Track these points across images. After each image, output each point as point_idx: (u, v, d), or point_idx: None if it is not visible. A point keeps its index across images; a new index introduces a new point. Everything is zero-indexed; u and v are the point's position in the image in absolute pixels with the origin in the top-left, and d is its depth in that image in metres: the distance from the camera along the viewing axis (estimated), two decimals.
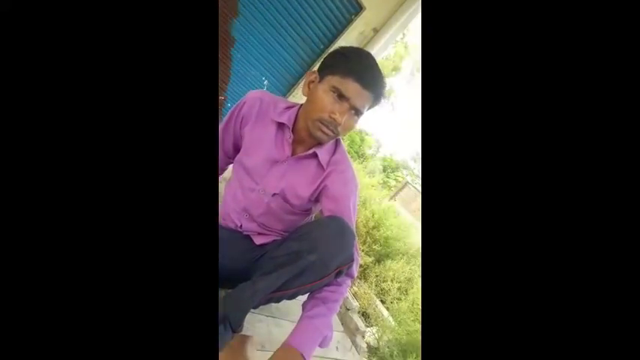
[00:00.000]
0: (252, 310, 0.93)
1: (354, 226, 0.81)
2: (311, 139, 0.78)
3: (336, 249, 0.69)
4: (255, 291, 0.69)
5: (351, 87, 0.69)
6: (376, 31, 2.32)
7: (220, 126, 0.86)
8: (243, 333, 0.83)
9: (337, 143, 0.84)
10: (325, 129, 0.73)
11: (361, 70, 0.68)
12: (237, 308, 0.70)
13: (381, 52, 2.47)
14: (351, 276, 0.78)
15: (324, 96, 0.71)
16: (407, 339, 2.11)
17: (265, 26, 2.18)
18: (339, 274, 0.72)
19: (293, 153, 0.81)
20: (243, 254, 0.84)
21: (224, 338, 0.64)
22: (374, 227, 3.36)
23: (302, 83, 0.79)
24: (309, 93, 0.76)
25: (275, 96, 0.85)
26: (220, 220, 0.93)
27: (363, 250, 3.10)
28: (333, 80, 0.70)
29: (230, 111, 0.84)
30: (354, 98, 0.70)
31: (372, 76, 0.70)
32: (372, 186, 4.46)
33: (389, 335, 2.22)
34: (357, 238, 0.78)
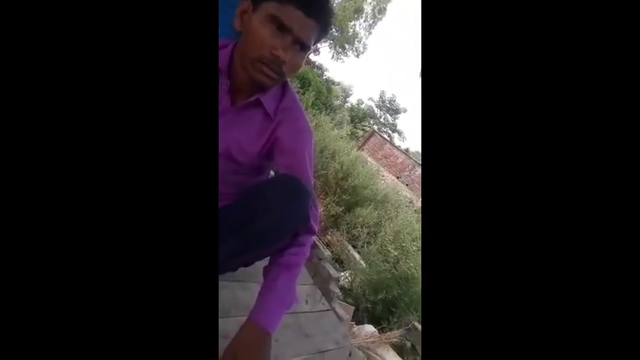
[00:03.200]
0: None
1: (311, 179, 0.75)
2: (252, 84, 0.66)
3: (289, 211, 0.63)
4: None
5: (292, 14, 0.56)
6: None
7: None
8: None
9: (285, 87, 0.72)
10: (267, 70, 0.60)
11: None
12: None
13: None
14: (311, 233, 0.73)
15: (261, 28, 0.58)
16: (377, 278, 2.25)
17: None
18: (296, 235, 0.68)
19: (233, 103, 0.69)
20: None
21: None
22: (343, 178, 3.39)
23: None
24: (243, 26, 0.62)
25: None
26: None
27: (333, 201, 3.15)
28: (270, 7, 0.56)
29: None
30: (298, 29, 0.57)
31: (316, 0, 0.58)
32: (341, 137, 4.43)
33: (361, 277, 2.36)
34: (313, 194, 0.72)
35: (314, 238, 0.76)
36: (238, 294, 0.90)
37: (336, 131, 4.48)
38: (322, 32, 0.61)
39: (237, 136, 0.70)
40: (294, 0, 0.55)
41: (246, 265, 0.70)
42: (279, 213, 0.62)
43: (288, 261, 0.69)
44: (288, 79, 0.72)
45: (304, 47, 0.60)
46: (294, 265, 0.69)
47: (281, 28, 0.57)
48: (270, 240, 0.64)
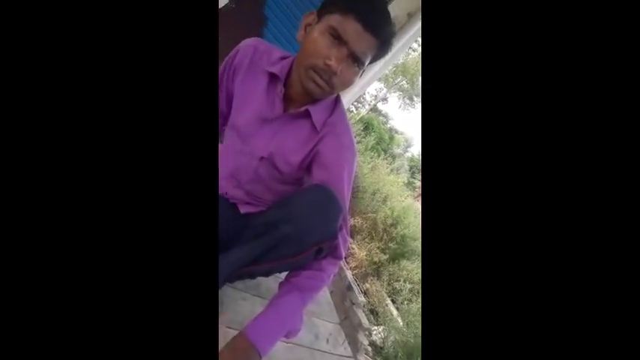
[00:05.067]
0: (232, 285, 0.86)
1: (347, 200, 0.71)
2: (306, 95, 0.67)
3: (315, 221, 0.59)
4: (226, 263, 0.62)
5: (350, 27, 0.57)
6: (410, 16, 2.19)
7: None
8: (221, 309, 0.77)
9: (336, 102, 0.72)
10: (318, 78, 0.61)
11: (364, 7, 0.57)
12: None
13: (415, 37, 2.32)
14: (337, 258, 0.68)
15: (319, 38, 0.60)
16: (414, 342, 2.00)
17: (297, 4, 2.10)
18: (319, 252, 0.62)
19: (285, 111, 0.71)
20: (227, 223, 0.76)
21: None
22: (392, 224, 3.23)
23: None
24: (304, 37, 0.64)
25: (272, 45, 0.74)
26: None
27: (378, 247, 2.98)
28: (332, 20, 0.59)
29: (223, 63, 0.75)
30: (354, 41, 0.58)
31: (377, 15, 0.58)
32: (396, 183, 4.32)
33: (396, 336, 2.11)
34: (345, 213, 0.68)
35: (339, 265, 0.71)
36: (257, 310, 0.86)
37: (392, 177, 4.39)
38: (380, 50, 0.61)
39: (281, 142, 0.71)
40: (354, 11, 0.56)
41: (265, 275, 0.66)
42: (304, 221, 0.58)
43: (302, 283, 0.63)
44: (341, 94, 0.72)
45: (358, 62, 0.60)
46: (306, 288, 0.63)
47: (338, 39, 0.58)
48: (291, 249, 0.60)
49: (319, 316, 1.08)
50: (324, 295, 1.25)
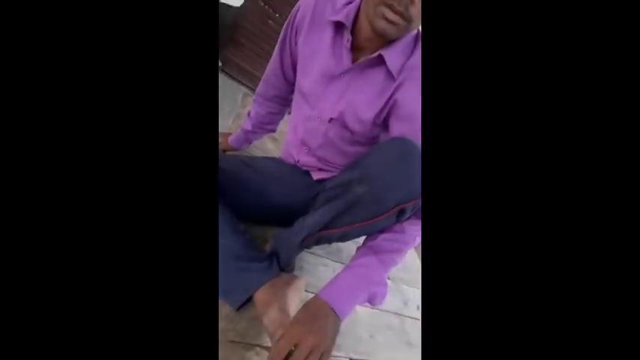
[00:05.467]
0: (311, 251, 0.87)
1: None
2: (377, 39, 0.57)
3: (394, 179, 0.51)
4: (301, 227, 0.61)
5: None
6: None
7: (277, 46, 0.74)
8: (301, 275, 0.78)
9: (416, 42, 0.60)
10: (390, 13, 0.51)
11: None
12: (285, 245, 0.64)
13: None
14: (418, 216, 0.59)
15: None
16: None
17: None
18: (401, 214, 0.55)
19: (354, 62, 0.62)
20: (301, 191, 0.76)
21: (267, 275, 0.60)
22: None
23: None
24: None
25: None
26: (281, 155, 0.87)
27: None
28: None
29: (285, 24, 0.70)
30: None
31: None
32: None
33: None
34: None
35: None
36: (323, 270, 0.85)
37: None
38: None
39: (352, 99, 0.64)
40: None
41: (342, 240, 0.64)
42: (380, 180, 0.51)
43: (379, 245, 0.57)
44: (419, 30, 0.60)
45: None
46: (385, 250, 0.57)
47: None
48: (367, 212, 0.54)
49: (408, 284, 1.02)
50: (414, 261, 1.18)
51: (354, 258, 0.60)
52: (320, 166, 0.77)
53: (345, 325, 0.70)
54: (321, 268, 0.84)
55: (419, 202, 0.53)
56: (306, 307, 0.53)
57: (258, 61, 2.12)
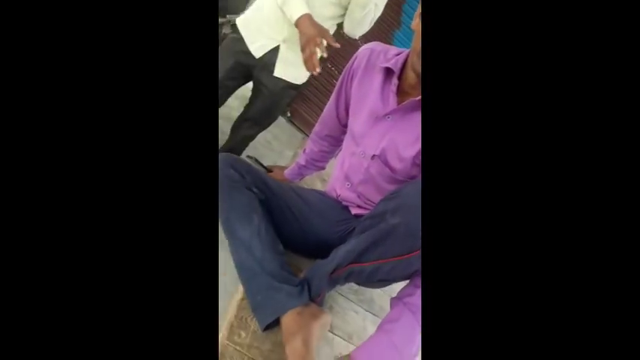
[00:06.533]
0: (344, 294, 0.82)
1: None
2: (420, 85, 0.63)
3: None
4: (334, 257, 0.60)
5: None
6: None
7: (334, 91, 0.82)
8: (330, 314, 0.74)
9: None
10: None
11: None
12: (317, 274, 0.63)
13: None
14: None
15: None
16: None
17: None
18: None
19: (399, 104, 0.67)
20: (339, 224, 0.76)
21: (297, 300, 0.58)
22: None
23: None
24: (417, 25, 0.61)
25: (389, 46, 0.73)
26: (326, 190, 0.89)
27: None
28: None
29: (343, 71, 0.79)
30: None
31: None
32: None
33: None
34: None
35: None
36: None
37: None
38: None
39: (395, 138, 0.67)
40: None
41: (373, 279, 0.60)
42: (417, 211, 0.49)
43: (416, 303, 0.54)
44: None
45: None
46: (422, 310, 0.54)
47: None
48: (400, 245, 0.52)
49: None
50: None
51: (390, 316, 0.57)
52: (359, 202, 0.77)
53: None
54: (351, 314, 0.79)
55: None
56: None
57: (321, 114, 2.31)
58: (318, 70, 0.82)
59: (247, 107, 1.18)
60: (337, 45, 0.81)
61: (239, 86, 1.16)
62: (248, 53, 1.02)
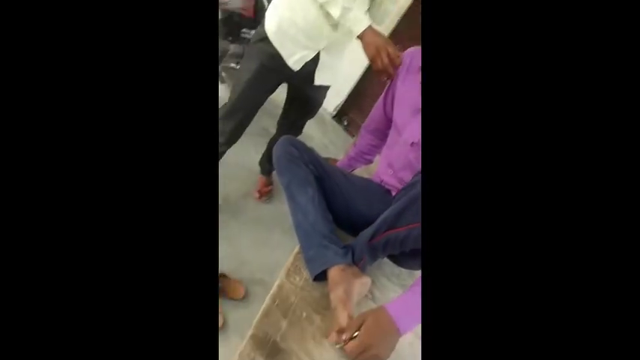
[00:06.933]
0: (386, 276, 0.89)
1: None
2: None
3: None
4: (373, 225, 0.69)
5: None
6: None
7: (384, 90, 0.93)
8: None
9: None
10: None
11: None
12: (359, 241, 0.72)
13: None
14: None
15: None
16: None
17: None
18: None
19: None
20: (381, 204, 0.84)
21: (343, 258, 0.68)
22: None
23: None
24: None
25: None
26: (371, 177, 0.98)
27: None
28: None
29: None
30: None
31: None
32: None
33: None
34: None
35: None
36: (394, 297, 0.84)
37: None
38: None
39: None
40: None
41: (406, 244, 0.67)
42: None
43: None
44: None
45: None
46: None
47: None
48: None
49: None
50: None
51: (418, 279, 0.64)
52: (399, 186, 0.85)
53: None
54: (391, 294, 0.86)
55: None
56: (375, 318, 0.58)
57: None
58: (393, 75, 0.86)
59: (287, 112, 1.25)
60: (400, 54, 0.85)
61: (270, 94, 1.14)
62: (282, 65, 1.01)
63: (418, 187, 0.61)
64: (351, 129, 2.52)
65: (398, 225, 0.65)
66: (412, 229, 0.63)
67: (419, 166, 0.79)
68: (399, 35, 2.03)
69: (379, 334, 0.55)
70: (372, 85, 2.34)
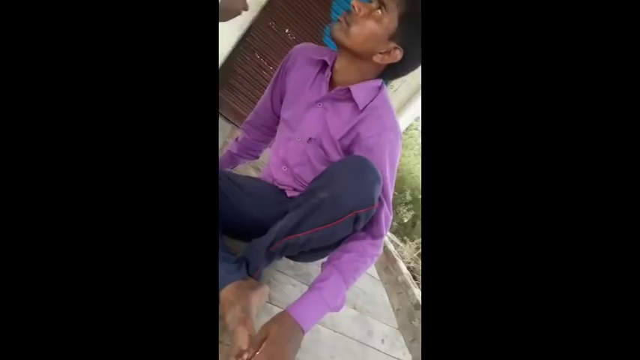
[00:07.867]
0: (281, 271, 0.89)
1: (390, 181, 0.70)
2: (351, 77, 0.71)
3: (351, 187, 0.60)
4: (270, 233, 0.66)
5: None
6: None
7: (269, 85, 0.87)
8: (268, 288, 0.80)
9: (380, 89, 0.74)
10: (340, 21, 0.66)
11: None
12: (254, 250, 0.68)
13: None
14: (377, 237, 0.67)
15: None
16: None
17: None
18: (356, 221, 0.63)
19: (329, 91, 0.75)
20: (274, 206, 0.81)
21: (234, 276, 0.63)
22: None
23: None
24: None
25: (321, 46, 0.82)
26: (260, 176, 0.94)
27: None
28: None
29: (278, 67, 0.84)
30: None
31: None
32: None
33: None
34: (386, 187, 0.67)
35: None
36: (291, 290, 0.87)
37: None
38: (409, 6, 0.62)
39: (327, 123, 0.75)
40: None
41: (305, 248, 0.68)
42: (339, 186, 0.60)
43: (343, 265, 0.65)
44: (386, 84, 0.74)
45: (383, 6, 0.62)
46: (348, 270, 0.65)
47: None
48: (327, 215, 0.61)
49: (374, 316, 1.03)
50: (381, 297, 1.20)
51: (320, 276, 0.66)
52: (295, 185, 0.84)
53: (309, 343, 0.71)
54: (288, 287, 0.86)
55: (372, 211, 0.61)
56: (276, 320, 0.57)
57: (249, 105, 2.29)
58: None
59: None
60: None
61: None
62: None
63: (320, 195, 0.61)
64: (223, 111, 2.34)
65: (298, 231, 0.64)
66: (314, 232, 0.64)
67: (318, 165, 0.79)
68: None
69: (285, 340, 0.54)
70: (247, 63, 2.20)
